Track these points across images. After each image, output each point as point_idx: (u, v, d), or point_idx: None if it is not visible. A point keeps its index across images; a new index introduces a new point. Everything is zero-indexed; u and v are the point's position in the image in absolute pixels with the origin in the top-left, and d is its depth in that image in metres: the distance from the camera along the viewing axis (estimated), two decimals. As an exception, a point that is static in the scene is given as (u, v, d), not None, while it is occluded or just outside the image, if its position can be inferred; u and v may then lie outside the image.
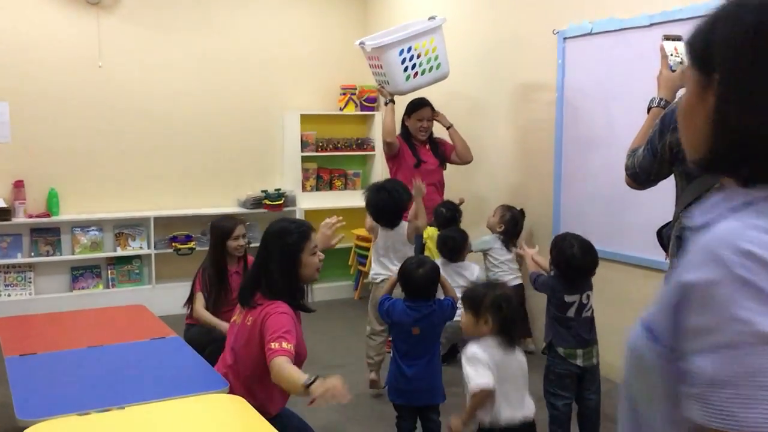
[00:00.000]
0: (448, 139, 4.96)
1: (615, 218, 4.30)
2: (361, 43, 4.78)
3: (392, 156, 4.84)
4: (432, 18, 4.71)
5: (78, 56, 5.70)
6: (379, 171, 6.65)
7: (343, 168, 6.68)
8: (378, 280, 4.04)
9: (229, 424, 2.33)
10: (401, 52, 4.59)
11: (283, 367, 2.36)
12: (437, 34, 4.68)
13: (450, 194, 4.96)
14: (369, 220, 4.06)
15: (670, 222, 2.34)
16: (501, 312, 2.50)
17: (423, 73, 4.69)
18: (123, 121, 5.87)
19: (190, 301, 3.84)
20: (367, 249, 6.26)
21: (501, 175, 5.20)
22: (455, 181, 5.17)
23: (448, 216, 4.49)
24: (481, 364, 2.47)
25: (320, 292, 5.69)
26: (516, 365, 2.59)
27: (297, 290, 2.74)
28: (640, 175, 2.29)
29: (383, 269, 4.02)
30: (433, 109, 4.83)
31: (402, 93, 4.78)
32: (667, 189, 3.95)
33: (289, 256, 2.69)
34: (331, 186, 6.60)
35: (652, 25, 3.96)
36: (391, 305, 3.09)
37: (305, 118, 6.33)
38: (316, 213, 6.00)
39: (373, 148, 6.66)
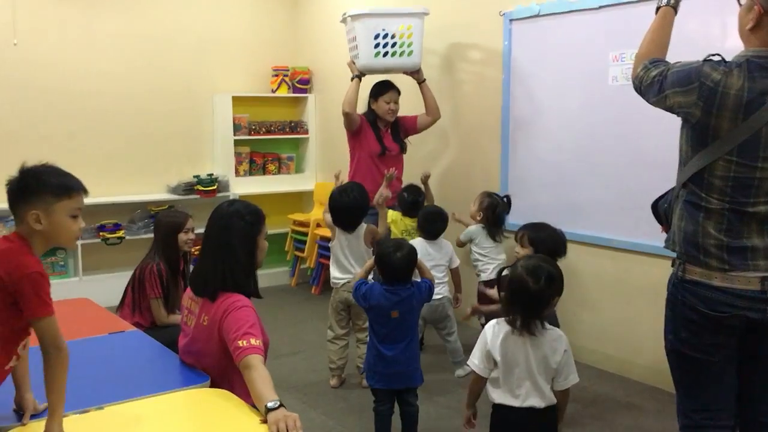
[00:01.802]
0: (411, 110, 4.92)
1: (563, 198, 4.39)
2: (344, 14, 4.73)
3: (353, 133, 4.74)
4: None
5: (-10, 33, 5.30)
6: (314, 155, 6.54)
7: (277, 152, 6.52)
8: (339, 285, 3.97)
9: (221, 418, 2.20)
10: (377, 26, 4.57)
11: (256, 371, 2.21)
12: (416, 22, 4.66)
13: (407, 175, 4.86)
14: (328, 218, 4.00)
15: (665, 194, 2.36)
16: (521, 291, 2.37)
17: (393, 55, 4.64)
18: (42, 103, 5.50)
19: (136, 304, 3.63)
20: (305, 234, 6.16)
21: (446, 157, 5.20)
22: (410, 164, 5.12)
23: (410, 200, 4.42)
24: (481, 345, 2.43)
25: (259, 279, 5.53)
26: (527, 352, 2.36)
27: (255, 277, 2.64)
28: (643, 95, 2.22)
29: (343, 273, 3.96)
30: (398, 91, 4.76)
31: (368, 69, 4.70)
32: (615, 165, 4.08)
33: (250, 239, 2.56)
34: (264, 170, 6.43)
35: (600, 7, 4.04)
36: (368, 289, 3.03)
37: (237, 101, 6.13)
38: (251, 198, 5.72)
39: (306, 131, 6.53)
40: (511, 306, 2.39)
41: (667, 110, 2.18)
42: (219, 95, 6.19)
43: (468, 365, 3.81)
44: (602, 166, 4.15)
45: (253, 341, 2.30)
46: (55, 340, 1.92)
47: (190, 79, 6.11)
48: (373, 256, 3.13)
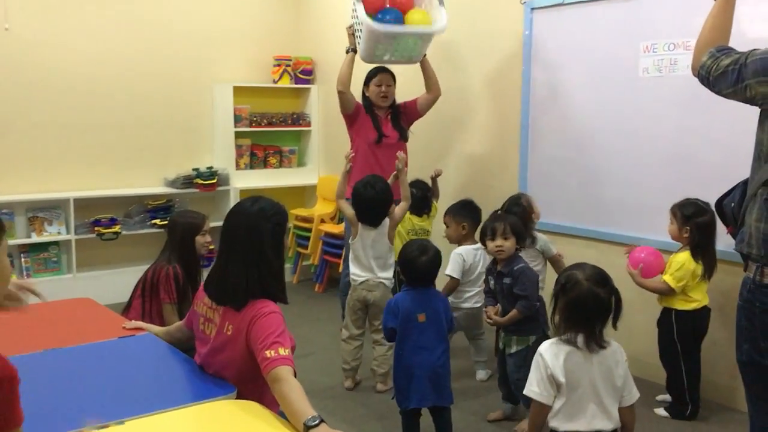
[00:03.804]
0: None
1: (586, 196, 4.22)
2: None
3: (349, 120, 4.53)
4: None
5: (-20, 17, 5.03)
6: (316, 148, 6.33)
7: (278, 145, 6.30)
8: (358, 282, 3.78)
9: (253, 433, 2.01)
10: (385, 34, 4.21)
11: (288, 385, 2.06)
12: (427, 37, 4.36)
13: (420, 169, 4.68)
14: (350, 213, 3.78)
15: (730, 192, 2.18)
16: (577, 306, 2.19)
17: (394, 55, 4.37)
18: (35, 92, 5.24)
19: (146, 309, 3.43)
20: (307, 230, 5.95)
21: (461, 151, 5.01)
22: (423, 157, 4.94)
23: (419, 196, 4.21)
24: (539, 370, 2.19)
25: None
26: (591, 370, 2.18)
27: (284, 281, 2.45)
28: (712, 86, 2.05)
29: (363, 270, 3.77)
30: (393, 75, 4.53)
31: (366, 61, 4.47)
32: (643, 163, 3.91)
33: (279, 241, 2.39)
34: (265, 164, 6.21)
35: (632, -4, 3.87)
36: (395, 301, 2.94)
37: (238, 91, 5.90)
38: (252, 192, 5.56)
39: (309, 124, 6.32)
40: (581, 323, 2.19)
41: (745, 102, 2.00)
42: (219, 85, 5.96)
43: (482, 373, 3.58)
44: (629, 162, 3.97)
45: (281, 351, 2.14)
46: None
47: (190, 67, 5.87)
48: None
